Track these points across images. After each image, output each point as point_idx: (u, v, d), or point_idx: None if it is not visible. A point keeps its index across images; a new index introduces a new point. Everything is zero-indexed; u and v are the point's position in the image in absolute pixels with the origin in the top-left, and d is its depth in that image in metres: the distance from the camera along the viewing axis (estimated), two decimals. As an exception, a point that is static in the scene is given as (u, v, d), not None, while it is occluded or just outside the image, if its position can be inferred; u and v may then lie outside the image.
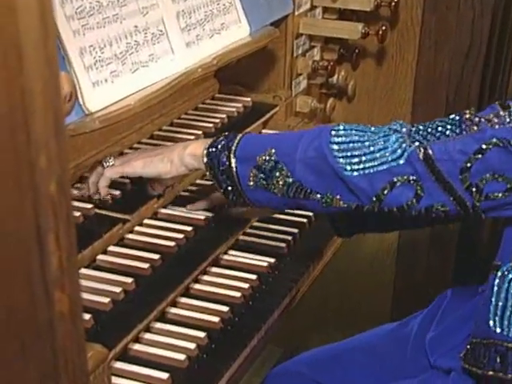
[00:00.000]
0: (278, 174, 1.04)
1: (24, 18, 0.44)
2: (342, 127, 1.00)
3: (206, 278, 1.17)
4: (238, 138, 1.08)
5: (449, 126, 0.96)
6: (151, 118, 1.44)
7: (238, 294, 1.13)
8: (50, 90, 0.46)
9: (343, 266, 1.76)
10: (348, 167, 0.98)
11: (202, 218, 1.25)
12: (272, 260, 1.23)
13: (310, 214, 1.36)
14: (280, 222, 1.34)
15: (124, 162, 1.18)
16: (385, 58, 1.91)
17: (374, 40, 1.78)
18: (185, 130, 1.48)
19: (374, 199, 0.98)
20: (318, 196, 1.02)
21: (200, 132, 1.47)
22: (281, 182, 1.04)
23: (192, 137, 1.45)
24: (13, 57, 0.45)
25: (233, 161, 1.06)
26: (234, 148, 1.07)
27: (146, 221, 1.24)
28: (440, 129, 0.96)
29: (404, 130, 0.98)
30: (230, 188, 1.09)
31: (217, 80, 1.66)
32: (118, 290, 1.05)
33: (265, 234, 1.30)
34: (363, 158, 0.97)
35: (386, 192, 0.97)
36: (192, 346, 1.02)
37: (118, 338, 0.98)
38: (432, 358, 1.17)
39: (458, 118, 0.97)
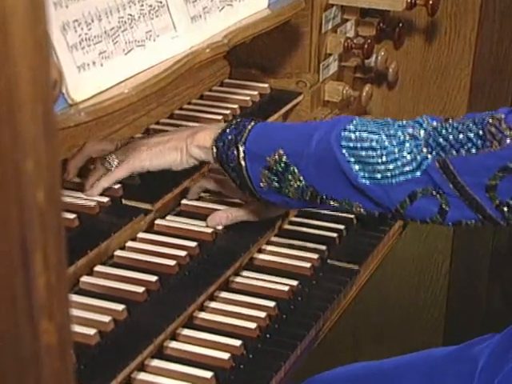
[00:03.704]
0: (290, 176, 1.10)
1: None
2: (353, 127, 1.05)
3: (213, 305, 1.20)
4: (248, 129, 1.14)
5: (472, 135, 1.00)
6: (147, 109, 1.47)
7: (252, 326, 1.15)
8: (40, 79, 0.49)
9: (383, 291, 1.79)
10: (362, 174, 1.04)
11: (209, 231, 1.28)
12: (294, 283, 1.25)
13: (341, 227, 1.39)
14: (304, 236, 1.36)
15: (129, 158, 1.22)
16: (436, 33, 1.92)
17: (422, 11, 1.80)
18: (187, 124, 1.51)
19: (394, 211, 1.04)
20: (336, 204, 1.09)
21: (206, 126, 1.50)
22: (294, 186, 1.10)
23: (196, 131, 1.48)
24: (-4, 41, 0.47)
25: (242, 159, 1.13)
26: (242, 143, 1.13)
27: (141, 234, 1.27)
28: (461, 137, 1.01)
29: (422, 134, 1.03)
30: (243, 185, 1.15)
31: (227, 62, 1.69)
32: (106, 319, 1.08)
33: (285, 251, 1.33)
34: (378, 168, 1.03)
35: (405, 205, 1.03)
36: (196, 388, 1.04)
37: (106, 379, 1.00)
38: None
39: (480, 125, 1.01)
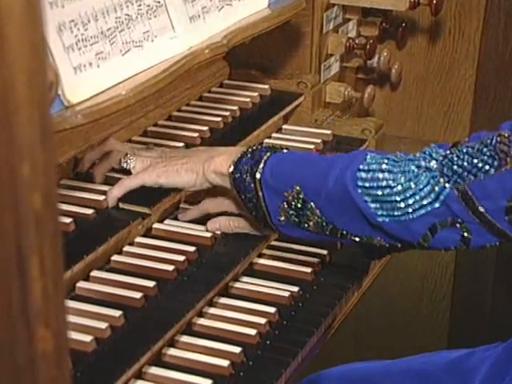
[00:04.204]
0: (308, 213, 1.12)
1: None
2: (366, 167, 1.07)
3: (212, 311, 1.20)
4: (264, 160, 1.16)
5: (485, 157, 1.02)
6: (144, 111, 1.47)
7: (252, 332, 1.15)
8: (37, 82, 0.49)
9: (385, 296, 1.79)
10: (380, 213, 1.06)
11: (208, 236, 1.28)
12: (295, 289, 1.25)
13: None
14: (304, 241, 1.36)
15: (145, 171, 1.25)
16: (440, 33, 1.93)
17: (425, 11, 1.80)
18: (186, 126, 1.51)
19: (417, 245, 1.07)
20: (357, 239, 1.12)
21: (205, 128, 1.50)
22: (313, 221, 1.13)
23: (195, 134, 1.48)
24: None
25: (259, 192, 1.16)
26: (259, 176, 1.15)
27: (138, 239, 1.27)
28: (475, 162, 1.02)
29: (434, 165, 1.05)
30: (260, 217, 1.18)
31: (226, 62, 1.69)
32: (103, 325, 1.08)
33: (286, 256, 1.33)
34: (396, 205, 1.05)
35: (427, 238, 1.05)
36: (195, 396, 1.05)
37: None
38: None
39: (491, 146, 1.02)
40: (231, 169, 1.19)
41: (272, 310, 1.20)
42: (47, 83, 0.53)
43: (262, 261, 1.32)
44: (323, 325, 1.22)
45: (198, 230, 1.30)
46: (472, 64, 1.92)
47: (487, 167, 1.01)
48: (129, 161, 1.29)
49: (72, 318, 1.09)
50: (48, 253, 0.52)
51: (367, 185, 1.07)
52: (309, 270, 1.29)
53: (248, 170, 1.17)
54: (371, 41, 1.70)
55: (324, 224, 1.12)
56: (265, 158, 1.17)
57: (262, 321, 1.17)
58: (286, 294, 1.24)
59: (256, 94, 1.64)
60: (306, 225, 1.14)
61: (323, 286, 1.29)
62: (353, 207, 1.08)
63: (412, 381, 1.35)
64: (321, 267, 1.32)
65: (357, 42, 1.70)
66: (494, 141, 1.02)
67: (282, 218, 1.16)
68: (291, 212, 1.14)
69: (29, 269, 0.51)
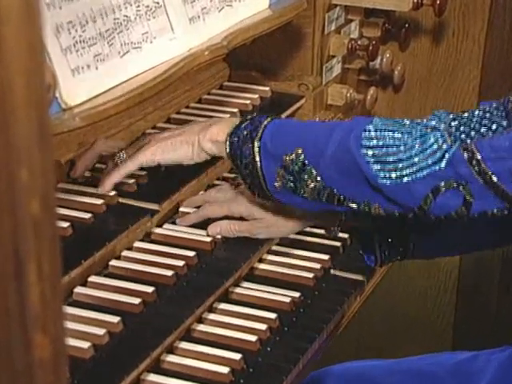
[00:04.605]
0: (306, 176, 1.10)
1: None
2: (373, 127, 1.06)
3: (212, 316, 1.20)
4: (264, 125, 1.15)
5: (495, 118, 1.01)
6: (143, 113, 1.48)
7: (252, 338, 1.15)
8: (35, 85, 0.50)
9: (388, 300, 1.79)
10: (383, 175, 1.04)
11: (208, 240, 1.28)
12: (296, 294, 1.26)
13: (345, 236, 1.39)
14: (306, 245, 1.37)
15: (139, 151, 1.23)
16: (443, 34, 1.93)
17: (429, 11, 1.81)
18: (185, 128, 1.52)
19: (417, 209, 1.04)
20: (354, 205, 1.09)
21: (205, 130, 1.50)
22: (311, 186, 1.10)
23: (195, 136, 1.48)
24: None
25: (257, 156, 1.13)
26: (258, 140, 1.13)
27: (137, 243, 1.27)
28: (485, 122, 1.01)
29: (442, 125, 1.04)
30: (254, 184, 1.15)
31: (226, 64, 1.70)
32: (101, 331, 1.08)
33: (287, 261, 1.33)
34: (399, 165, 1.03)
35: (429, 201, 1.03)
36: (195, 404, 1.05)
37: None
38: None
39: (502, 107, 1.01)
40: (229, 134, 1.16)
41: (273, 315, 1.20)
42: (45, 85, 0.53)
43: (262, 266, 1.32)
44: (325, 331, 1.22)
45: (197, 235, 1.30)
46: (476, 65, 1.92)
47: (496, 126, 1.00)
48: (122, 156, 1.27)
49: (69, 324, 1.09)
50: (46, 257, 0.52)
51: (372, 144, 1.05)
52: (311, 275, 1.29)
53: (247, 134, 1.15)
54: (374, 42, 1.70)
55: (322, 188, 1.10)
56: (265, 122, 1.16)
57: (263, 327, 1.17)
58: (287, 299, 1.24)
59: (256, 96, 1.64)
60: (303, 190, 1.12)
61: (325, 291, 1.29)
62: (354, 169, 1.06)
63: (414, 381, 1.34)
64: (323, 273, 1.32)
65: (359, 43, 1.70)
66: (505, 102, 1.01)
67: (278, 184, 1.13)
68: (288, 177, 1.12)
69: (26, 274, 0.51)
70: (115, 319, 1.10)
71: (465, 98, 1.96)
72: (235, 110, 1.59)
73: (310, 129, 1.15)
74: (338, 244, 1.38)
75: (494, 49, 1.91)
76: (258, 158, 1.14)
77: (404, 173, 1.03)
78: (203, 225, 1.31)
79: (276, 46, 1.66)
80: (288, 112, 1.63)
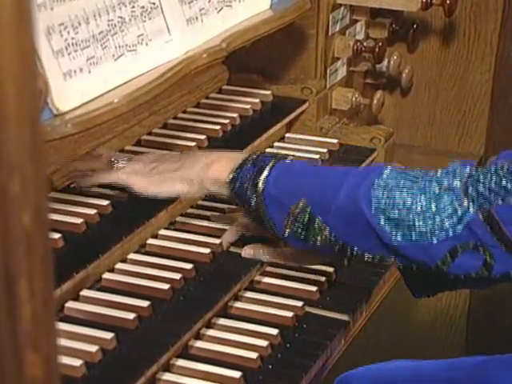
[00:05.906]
0: (316, 228, 1.12)
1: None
2: (382, 183, 1.06)
3: (210, 332, 1.21)
4: (267, 170, 1.15)
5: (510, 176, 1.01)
6: (138, 118, 1.48)
7: (253, 355, 1.16)
8: (27, 93, 0.50)
9: (398, 313, 1.78)
10: (396, 235, 1.05)
11: (206, 252, 1.29)
12: (299, 308, 1.26)
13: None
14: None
15: (135, 174, 1.25)
16: (454, 35, 1.93)
17: (438, 11, 1.81)
18: (182, 134, 1.52)
19: (434, 268, 1.06)
20: (369, 257, 1.11)
21: (203, 136, 1.51)
22: (322, 237, 1.12)
23: (192, 143, 1.49)
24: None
25: (262, 205, 1.15)
26: (262, 187, 1.15)
27: (132, 255, 1.28)
28: (504, 183, 1.01)
29: (458, 184, 1.04)
30: (265, 227, 1.17)
31: (226, 67, 1.70)
32: (93, 348, 1.09)
33: (290, 273, 1.34)
34: (413, 227, 1.04)
35: (446, 262, 1.04)
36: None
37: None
38: None
39: None
40: (231, 177, 1.18)
41: (274, 331, 1.20)
42: (38, 95, 0.54)
43: (264, 279, 1.33)
44: (329, 348, 1.23)
45: (195, 246, 1.30)
46: (488, 68, 1.93)
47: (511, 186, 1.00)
48: (119, 160, 1.29)
49: (60, 341, 1.10)
50: (37, 274, 0.53)
51: (383, 204, 1.06)
52: (314, 288, 1.30)
53: (250, 178, 1.16)
54: (380, 43, 1.71)
55: (333, 240, 1.12)
56: (268, 166, 1.16)
57: (264, 343, 1.18)
58: (290, 314, 1.24)
59: (257, 100, 1.65)
60: (314, 239, 1.13)
61: (330, 305, 1.29)
62: (365, 227, 1.07)
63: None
64: (327, 286, 1.32)
65: (365, 44, 1.71)
66: None
67: (288, 231, 1.15)
68: (297, 226, 1.13)
69: (17, 291, 0.52)
70: (108, 335, 1.11)
71: (476, 103, 1.96)
72: (235, 114, 1.59)
73: (316, 177, 1.16)
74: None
75: (506, 51, 1.91)
76: (263, 206, 1.15)
77: (419, 235, 1.04)
78: (200, 235, 1.31)
79: (278, 47, 1.66)
80: (290, 117, 1.64)
